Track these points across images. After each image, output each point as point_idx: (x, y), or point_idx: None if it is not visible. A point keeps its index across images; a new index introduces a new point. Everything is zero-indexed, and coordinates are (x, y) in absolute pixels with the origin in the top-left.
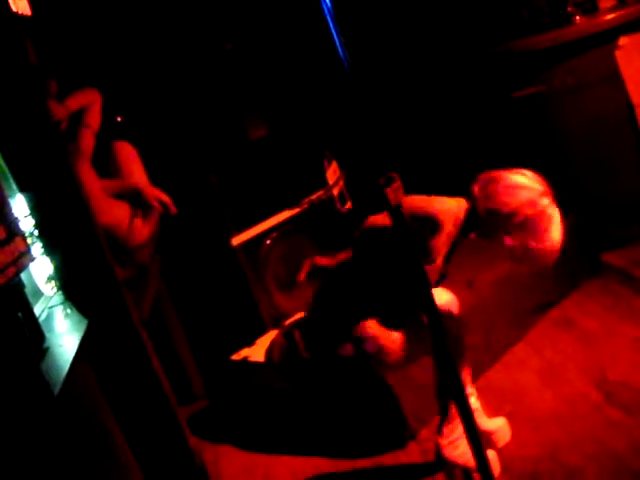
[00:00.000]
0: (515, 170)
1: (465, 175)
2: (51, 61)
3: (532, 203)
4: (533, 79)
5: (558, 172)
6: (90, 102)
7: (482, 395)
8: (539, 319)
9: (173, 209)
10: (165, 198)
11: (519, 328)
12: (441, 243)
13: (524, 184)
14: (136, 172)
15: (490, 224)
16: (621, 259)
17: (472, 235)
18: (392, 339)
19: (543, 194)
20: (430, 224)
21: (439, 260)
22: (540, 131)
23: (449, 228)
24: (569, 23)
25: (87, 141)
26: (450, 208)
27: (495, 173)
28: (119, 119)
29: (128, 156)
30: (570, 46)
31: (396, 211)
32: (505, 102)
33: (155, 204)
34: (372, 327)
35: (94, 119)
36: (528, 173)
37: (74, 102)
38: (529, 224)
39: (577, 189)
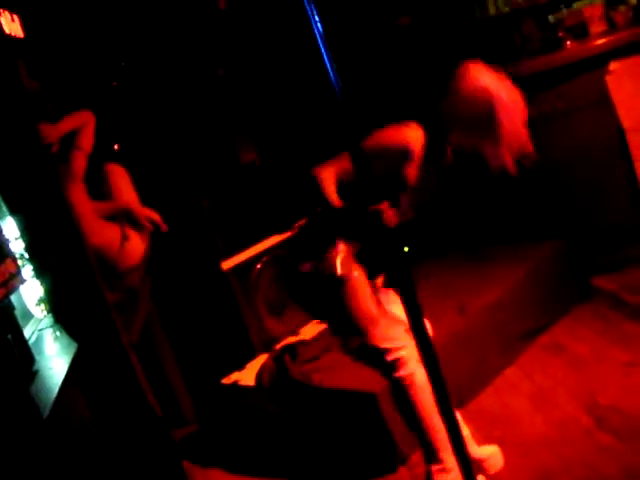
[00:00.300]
0: (462, 71)
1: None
2: (45, 83)
3: (493, 96)
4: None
5: (548, 196)
6: (83, 124)
7: (473, 420)
8: (530, 343)
9: (164, 227)
10: (155, 216)
11: (510, 352)
12: (415, 169)
13: (477, 85)
14: (127, 193)
15: (461, 134)
16: (611, 283)
17: (449, 150)
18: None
19: (496, 79)
20: (402, 153)
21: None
22: None
23: (419, 153)
24: (560, 48)
25: (79, 163)
26: (417, 135)
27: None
28: (116, 147)
29: (119, 178)
30: (561, 71)
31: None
32: None
33: (146, 223)
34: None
35: (86, 141)
36: (474, 66)
37: (66, 124)
38: (496, 111)
39: (567, 213)
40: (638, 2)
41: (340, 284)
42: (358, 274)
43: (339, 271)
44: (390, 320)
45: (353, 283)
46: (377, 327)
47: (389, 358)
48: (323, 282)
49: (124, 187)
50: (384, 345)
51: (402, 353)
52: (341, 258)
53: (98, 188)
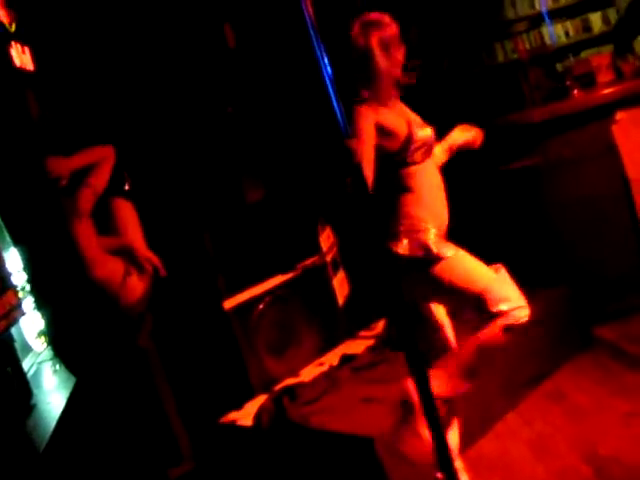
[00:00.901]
0: None
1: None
2: (55, 115)
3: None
4: (530, 151)
5: (552, 244)
6: (99, 160)
7: (472, 466)
8: (530, 390)
9: (162, 272)
10: (155, 260)
11: (511, 398)
12: None
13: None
14: (131, 230)
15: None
16: (613, 333)
17: None
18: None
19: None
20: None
21: None
22: (536, 203)
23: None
24: (567, 96)
25: (86, 199)
26: None
27: None
28: (127, 187)
29: (125, 214)
30: (567, 119)
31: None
32: (502, 173)
33: (146, 265)
34: None
35: (99, 179)
36: None
37: (80, 159)
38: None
39: (570, 262)
40: None
41: (439, 262)
42: (455, 247)
43: (434, 250)
44: (502, 279)
45: (455, 257)
46: (492, 291)
47: (507, 322)
48: (422, 264)
49: (130, 224)
50: (500, 308)
51: (520, 314)
52: (433, 237)
53: (105, 221)
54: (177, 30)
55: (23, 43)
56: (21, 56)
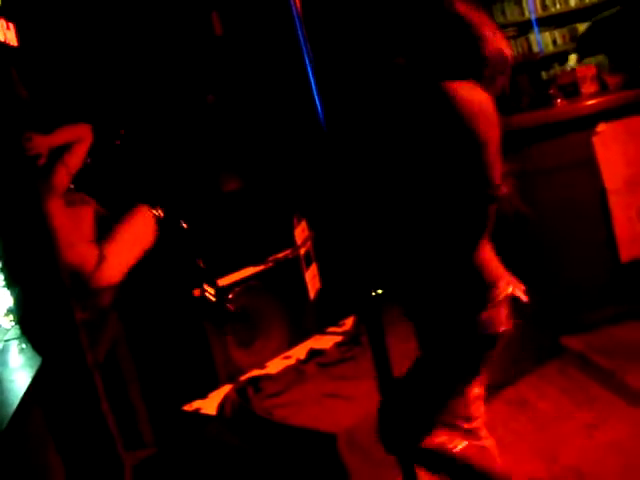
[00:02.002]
0: None
1: None
2: (36, 92)
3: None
4: (509, 158)
5: (524, 251)
6: (77, 139)
7: None
8: (494, 397)
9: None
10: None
11: None
12: None
13: None
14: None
15: None
16: (580, 343)
17: None
18: None
19: None
20: None
21: None
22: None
23: None
24: (550, 105)
25: (60, 178)
26: None
27: None
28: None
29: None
30: (549, 128)
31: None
32: None
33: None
34: None
35: (74, 159)
36: None
37: (59, 137)
38: None
39: (542, 270)
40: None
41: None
42: None
43: None
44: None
45: None
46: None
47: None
48: None
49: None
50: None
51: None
52: None
53: None
54: (164, 16)
55: (8, 19)
56: (5, 32)
